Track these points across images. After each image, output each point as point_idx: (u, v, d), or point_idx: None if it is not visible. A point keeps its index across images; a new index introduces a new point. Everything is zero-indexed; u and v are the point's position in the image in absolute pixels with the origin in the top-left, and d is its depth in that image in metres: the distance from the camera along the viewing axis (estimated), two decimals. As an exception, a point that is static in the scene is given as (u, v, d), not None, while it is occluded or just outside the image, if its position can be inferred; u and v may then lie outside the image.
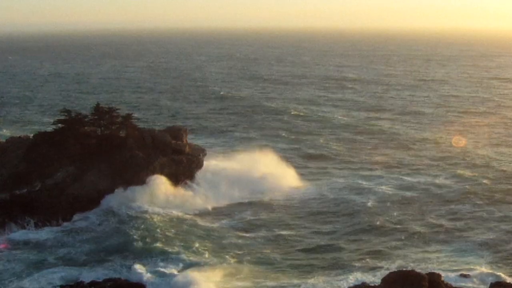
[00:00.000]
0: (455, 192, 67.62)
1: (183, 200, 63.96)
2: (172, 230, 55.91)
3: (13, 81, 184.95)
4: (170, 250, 51.17)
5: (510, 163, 79.41)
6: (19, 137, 70.80)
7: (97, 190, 62.53)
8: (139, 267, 47.43)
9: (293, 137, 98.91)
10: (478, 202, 64.25)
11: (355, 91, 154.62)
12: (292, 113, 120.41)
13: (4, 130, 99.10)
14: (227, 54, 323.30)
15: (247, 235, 56.30)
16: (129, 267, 47.76)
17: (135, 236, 54.13)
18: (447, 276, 43.83)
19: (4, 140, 70.90)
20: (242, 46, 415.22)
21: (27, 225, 57.23)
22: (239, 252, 51.73)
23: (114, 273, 47.16)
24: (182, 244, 52.76)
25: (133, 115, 71.10)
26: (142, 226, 56.55)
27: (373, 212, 61.06)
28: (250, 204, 65.23)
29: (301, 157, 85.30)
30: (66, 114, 68.00)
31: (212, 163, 73.93)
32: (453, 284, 42.26)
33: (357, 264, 48.72)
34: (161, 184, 64.04)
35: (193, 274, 45.62)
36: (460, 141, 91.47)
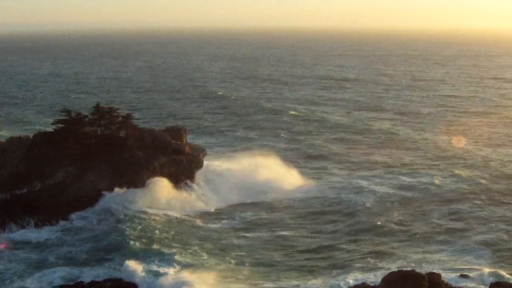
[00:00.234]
0: (455, 192, 67.64)
1: (184, 202, 63.87)
2: (172, 231, 55.84)
3: (13, 81, 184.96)
4: (167, 250, 50.87)
5: (510, 163, 79.46)
6: (19, 137, 70.64)
7: (97, 190, 62.51)
8: (134, 267, 47.21)
9: (292, 137, 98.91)
10: (478, 202, 64.28)
11: (354, 91, 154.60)
12: (292, 113, 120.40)
13: (4, 130, 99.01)
14: (227, 54, 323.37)
15: (247, 235, 56.30)
16: (125, 267, 47.62)
17: (132, 236, 54.02)
18: (447, 276, 43.83)
19: (4, 140, 70.79)
20: (242, 46, 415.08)
21: (27, 225, 57.26)
22: (239, 253, 51.70)
23: (114, 272, 47.16)
24: (181, 244, 52.59)
25: (133, 115, 71.04)
26: (141, 227, 56.45)
27: (373, 212, 61.09)
28: (251, 204, 65.22)
29: (301, 157, 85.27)
30: (66, 114, 67.96)
31: (213, 164, 73.90)
32: (453, 284, 42.30)
33: (357, 264, 48.70)
34: (162, 187, 63.84)
35: (187, 275, 45.41)
36: (460, 141, 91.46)
